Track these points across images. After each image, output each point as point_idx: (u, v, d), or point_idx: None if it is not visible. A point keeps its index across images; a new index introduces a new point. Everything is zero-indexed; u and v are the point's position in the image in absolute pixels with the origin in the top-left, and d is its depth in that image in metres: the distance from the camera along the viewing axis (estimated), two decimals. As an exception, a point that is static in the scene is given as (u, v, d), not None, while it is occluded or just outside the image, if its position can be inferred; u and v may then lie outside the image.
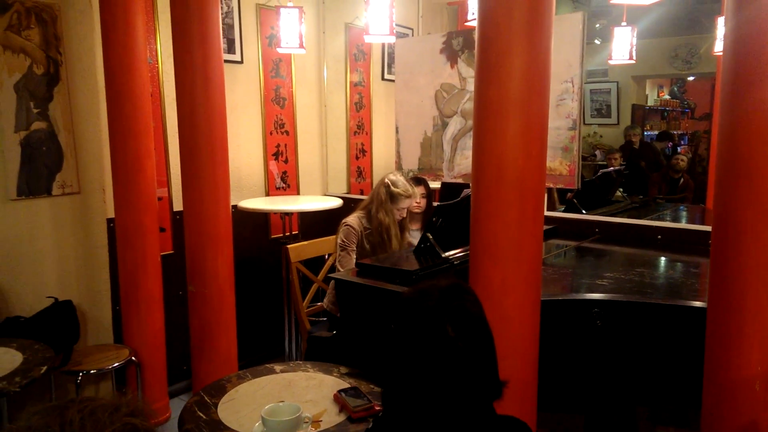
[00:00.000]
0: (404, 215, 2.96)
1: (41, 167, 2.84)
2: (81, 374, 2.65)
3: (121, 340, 3.04)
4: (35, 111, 2.80)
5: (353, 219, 2.94)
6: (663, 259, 2.75)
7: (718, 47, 3.76)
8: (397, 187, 2.89)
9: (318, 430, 1.69)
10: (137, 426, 0.66)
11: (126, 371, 2.99)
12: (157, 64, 3.18)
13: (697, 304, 1.93)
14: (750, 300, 1.39)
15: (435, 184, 3.71)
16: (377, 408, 1.76)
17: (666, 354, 2.01)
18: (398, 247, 2.92)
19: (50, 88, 2.85)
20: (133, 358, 2.87)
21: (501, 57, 1.67)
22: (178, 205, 3.22)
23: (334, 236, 3.08)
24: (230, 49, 3.50)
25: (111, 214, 2.99)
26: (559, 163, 3.10)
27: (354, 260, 2.88)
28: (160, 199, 3.14)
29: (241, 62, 3.60)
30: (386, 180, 2.91)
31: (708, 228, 2.49)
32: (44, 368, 2.13)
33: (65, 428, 0.62)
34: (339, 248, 2.91)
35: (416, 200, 3.13)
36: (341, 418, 1.76)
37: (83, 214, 3.01)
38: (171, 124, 3.16)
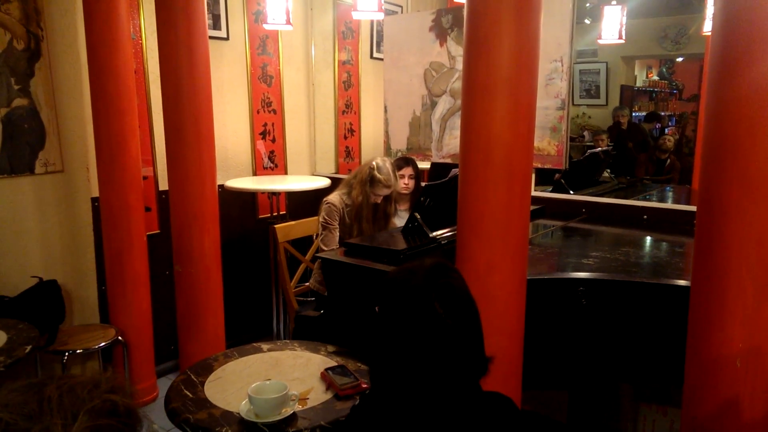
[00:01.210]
0: (378, 201, 2.94)
1: (23, 145, 2.79)
2: (67, 354, 2.64)
3: (107, 320, 3.03)
4: (16, 87, 2.74)
5: (334, 196, 2.93)
6: (648, 238, 2.78)
7: (707, 28, 3.76)
8: (381, 174, 2.86)
9: (305, 407, 1.70)
10: (117, 403, 0.65)
11: (113, 351, 2.98)
12: (141, 39, 3.12)
13: (681, 282, 1.96)
14: (732, 278, 1.40)
15: (424, 165, 3.70)
16: (364, 386, 1.77)
17: (650, 332, 2.04)
18: (369, 230, 2.90)
19: (31, 63, 2.79)
20: (120, 337, 2.87)
21: (490, 35, 1.65)
22: (163, 184, 3.18)
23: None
24: (215, 25, 3.44)
25: (95, 193, 2.95)
26: (548, 143, 3.10)
27: (337, 238, 2.88)
28: (145, 178, 3.11)
29: (227, 39, 3.54)
30: (373, 162, 2.89)
31: (693, 208, 2.51)
32: (29, 348, 2.12)
33: (43, 405, 0.62)
34: (321, 227, 2.91)
35: (404, 182, 3.12)
36: (328, 395, 1.77)
37: (67, 192, 2.97)
38: (156, 101, 3.11)
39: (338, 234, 2.89)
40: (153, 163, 3.25)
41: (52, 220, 2.93)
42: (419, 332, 1.00)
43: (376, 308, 1.06)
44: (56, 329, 2.73)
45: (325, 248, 2.85)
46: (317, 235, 2.99)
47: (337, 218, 2.89)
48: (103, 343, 2.75)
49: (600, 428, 2.70)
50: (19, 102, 2.76)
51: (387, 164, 2.90)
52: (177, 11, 2.40)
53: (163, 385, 3.08)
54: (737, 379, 1.44)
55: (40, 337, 2.39)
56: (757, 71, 1.35)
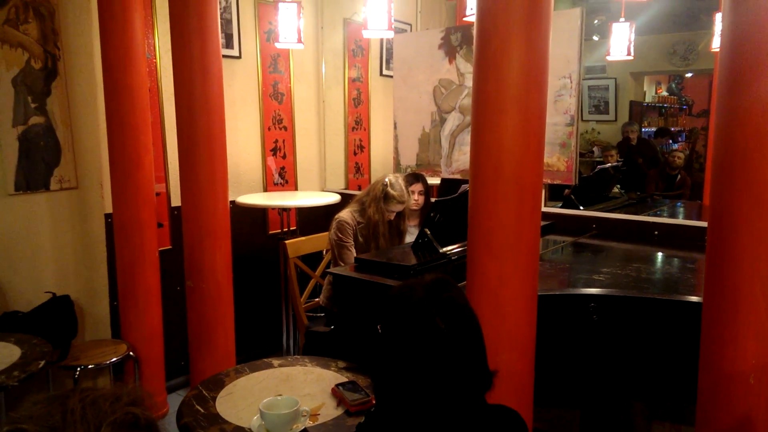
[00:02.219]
0: (392, 218, 2.95)
1: (39, 162, 2.83)
2: (79, 369, 2.65)
3: (119, 336, 3.05)
4: (33, 105, 2.80)
5: (346, 214, 2.95)
6: (659, 254, 2.77)
7: (716, 43, 3.77)
8: (394, 190, 2.88)
9: (316, 423, 1.70)
10: (138, 415, 0.66)
11: (124, 366, 2.99)
12: (155, 58, 3.18)
13: (693, 298, 1.95)
14: (745, 294, 1.40)
15: (433, 180, 3.72)
16: (374, 402, 1.76)
17: (662, 349, 2.03)
18: (385, 246, 2.91)
19: (48, 82, 2.85)
20: (131, 353, 2.88)
21: (499, 52, 1.67)
22: (176, 201, 3.22)
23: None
24: (228, 44, 3.50)
25: (109, 209, 2.99)
26: (557, 159, 3.11)
27: (354, 254, 2.88)
28: (158, 194, 3.14)
29: (239, 57, 3.60)
30: (386, 179, 2.91)
31: (704, 224, 2.50)
32: (42, 363, 2.13)
33: (66, 417, 0.63)
34: (336, 245, 2.91)
35: (414, 198, 3.13)
36: (339, 411, 1.77)
37: (81, 209, 3.01)
38: (169, 119, 3.16)
39: (354, 250, 2.90)
40: (166, 179, 3.29)
41: (66, 236, 2.97)
42: (421, 347, 1.01)
43: (378, 326, 1.07)
44: (69, 344, 2.75)
45: (345, 265, 2.86)
46: (327, 251, 3.00)
47: (351, 235, 2.90)
48: (114, 359, 2.77)
49: (613, 446, 2.66)
50: (35, 120, 2.81)
51: (399, 180, 2.92)
52: (191, 31, 2.45)
53: (174, 400, 3.09)
54: (751, 396, 1.43)
55: (53, 353, 2.41)
56: (766, 87, 1.35)
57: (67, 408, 0.64)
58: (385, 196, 2.88)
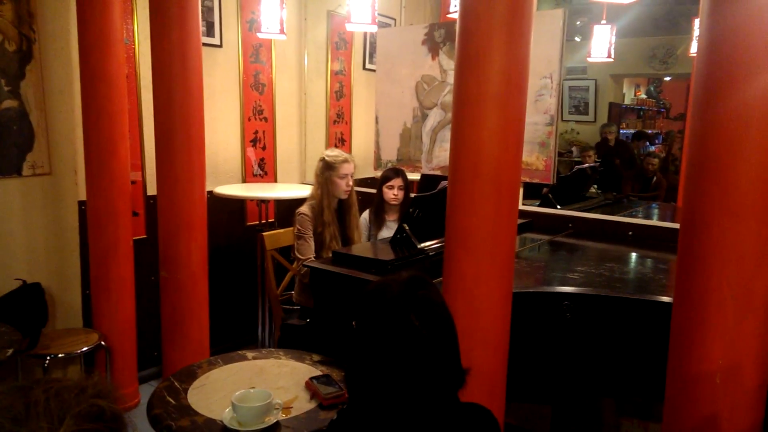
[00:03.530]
0: (350, 183, 2.95)
1: (11, 147, 2.77)
2: (48, 358, 2.61)
3: (90, 325, 3.00)
4: (6, 89, 2.73)
5: (305, 207, 2.95)
6: (633, 254, 2.81)
7: (694, 48, 3.83)
8: (330, 153, 2.93)
9: (288, 416, 1.70)
10: (104, 408, 0.65)
11: (95, 356, 2.95)
12: (134, 44, 3.12)
13: (664, 299, 1.98)
14: (713, 296, 1.43)
15: (414, 176, 3.72)
16: (348, 395, 1.77)
17: (633, 347, 2.06)
18: (335, 226, 2.92)
19: (22, 65, 2.78)
20: (103, 342, 2.84)
21: (481, 50, 1.68)
22: (152, 190, 3.17)
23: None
24: (209, 33, 3.45)
25: (83, 197, 2.94)
26: (536, 158, 3.13)
27: (312, 247, 2.89)
28: (133, 182, 3.09)
29: (221, 46, 3.55)
30: (321, 157, 2.96)
31: (677, 225, 2.55)
32: (10, 351, 2.09)
33: (30, 409, 0.62)
34: (295, 237, 2.92)
35: (393, 193, 3.13)
36: (312, 405, 1.77)
37: (54, 195, 2.95)
38: (146, 106, 3.10)
39: (313, 243, 2.90)
40: (142, 167, 3.24)
41: (38, 222, 2.91)
42: (396, 344, 1.01)
43: (353, 323, 1.07)
44: (38, 333, 2.70)
45: (302, 257, 2.87)
46: (293, 248, 3.00)
47: (310, 227, 2.90)
48: (85, 348, 2.72)
49: (582, 442, 2.71)
50: (8, 103, 2.74)
51: (334, 150, 3.01)
52: (171, 17, 2.41)
53: (146, 391, 3.05)
54: (716, 396, 1.46)
55: (22, 341, 2.37)
56: (740, 94, 1.38)
57: (30, 399, 0.62)
58: (327, 166, 2.90)
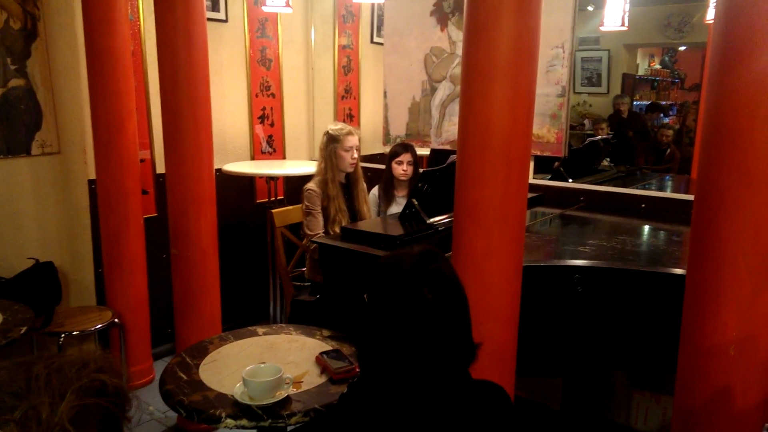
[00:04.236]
0: (355, 156, 2.93)
1: (19, 126, 2.77)
2: (63, 336, 2.64)
3: (104, 303, 3.03)
4: (12, 67, 2.72)
5: (312, 183, 2.94)
6: (646, 227, 2.77)
7: (711, 15, 3.72)
8: (336, 126, 2.91)
9: (299, 390, 1.71)
10: (105, 382, 0.65)
11: (109, 333, 2.99)
12: (139, 20, 3.09)
13: (677, 271, 1.96)
14: (728, 267, 1.40)
15: (423, 151, 3.68)
16: (358, 370, 1.77)
17: (645, 320, 2.05)
18: (340, 200, 2.91)
19: (28, 43, 2.76)
20: (116, 320, 2.87)
21: (490, 19, 1.63)
22: (161, 167, 3.16)
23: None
24: (214, 7, 3.41)
25: (92, 175, 2.94)
26: (547, 130, 3.08)
27: (321, 222, 2.88)
28: (142, 160, 3.09)
29: (226, 21, 3.50)
30: (325, 131, 2.94)
31: (691, 197, 2.51)
32: (24, 329, 2.12)
33: (31, 384, 0.62)
34: (304, 213, 2.92)
35: (402, 168, 3.11)
36: (323, 379, 1.78)
37: (64, 174, 2.95)
38: (153, 83, 3.08)
39: (322, 218, 2.89)
40: (150, 145, 3.23)
41: (49, 201, 2.92)
42: (408, 317, 1.00)
43: (365, 296, 1.06)
44: (52, 311, 2.73)
45: (310, 232, 2.87)
46: (303, 224, 3.00)
47: (318, 203, 2.89)
48: (99, 325, 2.76)
49: (593, 415, 2.72)
50: (15, 82, 2.74)
51: (337, 123, 2.99)
52: (175, -8, 2.37)
53: (160, 367, 3.07)
54: (730, 367, 1.44)
55: (36, 319, 2.40)
56: (759, 62, 1.33)
57: (32, 374, 0.62)
58: (331, 139, 2.89)
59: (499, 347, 1.77)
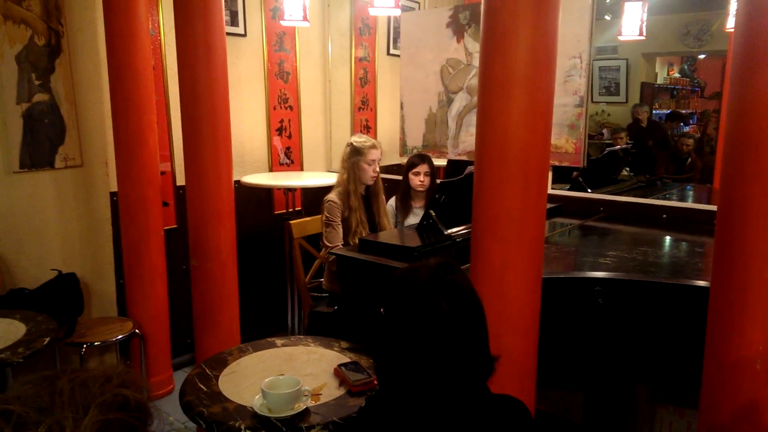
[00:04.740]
0: (377, 170, 2.94)
1: (43, 140, 2.82)
2: (85, 346, 2.67)
3: (125, 313, 3.06)
4: (37, 83, 2.78)
5: (333, 194, 2.95)
6: (667, 238, 2.74)
7: (731, 24, 3.68)
8: (358, 139, 2.92)
9: (317, 403, 1.70)
10: (128, 397, 0.65)
11: (130, 344, 3.01)
12: (160, 35, 3.15)
13: (701, 283, 1.92)
14: (753, 279, 1.38)
15: (440, 162, 3.68)
16: (377, 382, 1.76)
17: (667, 333, 2.01)
18: (361, 211, 2.91)
19: (52, 59, 2.82)
20: (137, 330, 2.90)
21: (507, 30, 1.63)
22: (181, 180, 3.20)
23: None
24: (233, 22, 3.46)
25: (114, 188, 2.99)
26: (565, 140, 3.07)
27: (341, 234, 2.89)
28: (163, 173, 3.13)
29: (245, 35, 3.55)
30: (348, 142, 2.95)
31: (713, 207, 2.47)
32: (47, 339, 2.15)
33: (55, 398, 0.62)
34: (324, 225, 2.93)
35: (420, 179, 3.11)
36: (341, 392, 1.77)
37: (86, 187, 3.00)
38: (174, 97, 3.13)
39: (341, 230, 2.90)
40: (171, 158, 3.28)
41: (71, 214, 2.97)
42: (425, 329, 1.00)
43: (382, 309, 1.06)
44: (74, 321, 2.77)
45: (329, 244, 2.87)
46: (322, 235, 3.01)
47: (338, 215, 2.90)
48: (120, 336, 2.78)
49: (615, 430, 2.67)
50: (39, 97, 2.80)
51: (361, 135, 3.01)
52: (195, 7, 2.41)
53: (180, 378, 3.11)
54: (757, 383, 1.41)
55: (59, 330, 2.43)
56: (782, 68, 1.32)
57: (56, 389, 0.63)
58: (354, 151, 2.89)
59: (518, 361, 1.75)
